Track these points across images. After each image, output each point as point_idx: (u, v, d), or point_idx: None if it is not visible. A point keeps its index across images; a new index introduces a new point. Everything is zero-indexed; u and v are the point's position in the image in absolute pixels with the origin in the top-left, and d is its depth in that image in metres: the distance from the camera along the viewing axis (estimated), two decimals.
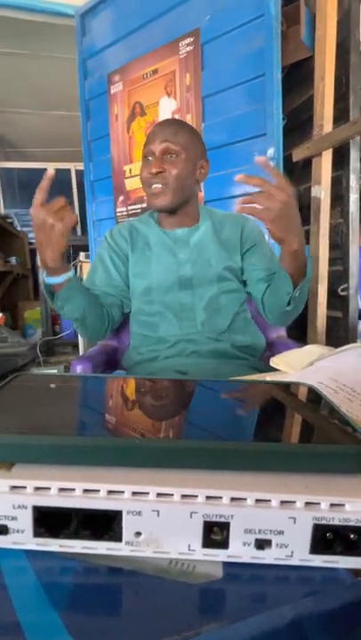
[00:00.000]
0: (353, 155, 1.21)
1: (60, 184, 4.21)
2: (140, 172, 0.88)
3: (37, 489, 0.19)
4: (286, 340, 0.95)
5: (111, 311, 0.90)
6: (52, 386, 0.30)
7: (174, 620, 0.17)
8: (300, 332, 1.24)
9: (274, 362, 0.53)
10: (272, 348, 0.95)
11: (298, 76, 1.37)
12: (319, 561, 0.19)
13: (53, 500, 0.19)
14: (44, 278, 0.77)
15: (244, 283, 0.93)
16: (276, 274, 0.80)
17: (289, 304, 0.80)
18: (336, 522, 0.18)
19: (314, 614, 0.18)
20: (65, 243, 0.72)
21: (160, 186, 0.83)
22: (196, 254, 0.89)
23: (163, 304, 0.88)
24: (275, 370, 0.52)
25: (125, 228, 0.94)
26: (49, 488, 0.19)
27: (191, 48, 1.43)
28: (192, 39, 1.42)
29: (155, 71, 1.56)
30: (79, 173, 3.92)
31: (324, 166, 1.23)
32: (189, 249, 0.89)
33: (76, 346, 2.85)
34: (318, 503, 0.18)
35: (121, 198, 1.76)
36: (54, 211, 0.70)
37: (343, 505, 0.18)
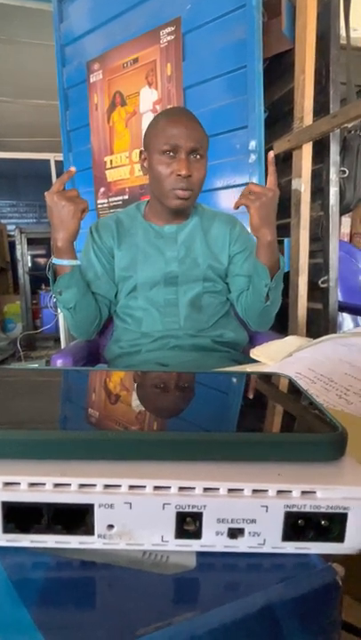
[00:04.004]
0: (333, 148, 1.22)
1: (40, 175, 4.13)
2: (154, 165, 0.82)
3: (6, 484, 0.18)
4: (268, 331, 0.96)
5: (101, 310, 0.91)
6: (29, 380, 0.30)
7: (148, 611, 0.17)
8: (281, 324, 1.26)
9: (254, 353, 0.53)
10: (254, 341, 0.96)
11: (279, 68, 1.37)
12: (291, 547, 0.19)
13: (23, 495, 0.18)
14: (52, 259, 0.83)
15: (227, 285, 0.94)
16: (254, 268, 0.82)
17: (268, 297, 0.82)
18: (307, 509, 0.19)
19: (286, 599, 0.18)
20: (77, 224, 0.79)
21: (187, 192, 0.81)
22: (183, 252, 0.89)
23: (147, 299, 0.88)
24: (255, 362, 0.53)
25: (112, 220, 0.93)
26: (19, 483, 0.18)
27: (172, 37, 1.41)
28: (173, 28, 1.40)
29: (135, 60, 1.54)
30: (59, 164, 3.84)
31: (305, 159, 1.24)
32: (177, 246, 0.89)
33: (57, 340, 2.82)
34: (290, 491, 0.19)
35: (102, 190, 1.73)
36: (67, 196, 0.77)
37: (314, 492, 0.19)
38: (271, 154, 0.83)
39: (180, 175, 0.79)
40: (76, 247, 0.85)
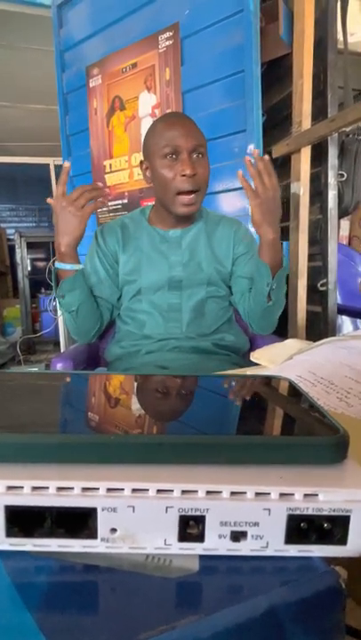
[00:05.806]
0: (331, 151, 1.23)
1: (39, 179, 4.14)
2: (158, 170, 0.81)
3: (9, 488, 0.18)
4: (267, 335, 0.96)
5: (102, 314, 0.91)
6: (31, 383, 0.30)
7: (151, 614, 0.17)
8: (280, 327, 1.26)
9: (254, 356, 0.53)
10: (254, 345, 0.96)
11: (277, 72, 1.38)
12: (294, 550, 0.19)
13: (26, 498, 0.18)
14: (55, 263, 0.82)
15: (230, 288, 0.94)
16: (256, 267, 0.82)
17: (270, 298, 0.82)
18: (310, 512, 0.19)
19: (289, 602, 0.18)
20: (82, 231, 0.78)
21: (194, 195, 0.80)
22: (187, 256, 0.89)
23: (151, 303, 0.88)
24: (256, 365, 0.53)
25: (117, 224, 0.93)
26: (21, 487, 0.18)
27: (171, 42, 1.42)
28: (171, 33, 1.41)
29: (134, 65, 1.55)
30: (59, 168, 3.85)
31: (304, 163, 1.25)
32: (181, 251, 0.89)
33: (57, 343, 2.81)
34: (292, 494, 0.19)
35: None
36: (74, 199, 0.75)
37: (317, 495, 0.19)
38: (256, 151, 0.81)
39: (184, 175, 0.78)
40: (79, 250, 0.85)
